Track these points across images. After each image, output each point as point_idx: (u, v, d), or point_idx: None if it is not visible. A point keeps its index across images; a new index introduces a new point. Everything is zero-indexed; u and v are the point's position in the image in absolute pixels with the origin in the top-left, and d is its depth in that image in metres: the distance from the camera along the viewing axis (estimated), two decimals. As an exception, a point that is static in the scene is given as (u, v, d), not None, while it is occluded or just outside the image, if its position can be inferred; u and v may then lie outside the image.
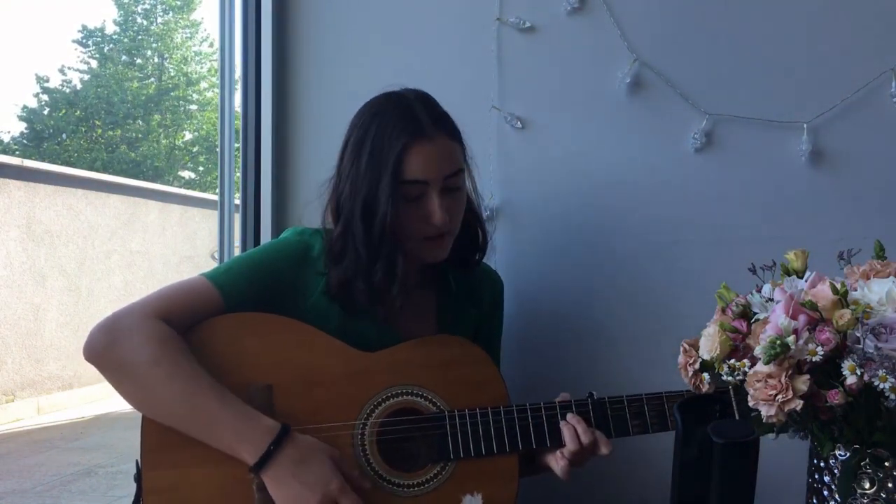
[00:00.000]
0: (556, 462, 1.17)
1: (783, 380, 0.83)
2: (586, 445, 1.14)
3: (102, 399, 7.87)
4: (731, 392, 0.99)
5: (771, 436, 0.92)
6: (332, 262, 1.19)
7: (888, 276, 0.88)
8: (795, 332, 0.84)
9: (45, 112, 17.82)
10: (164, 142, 18.26)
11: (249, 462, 1.05)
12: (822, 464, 0.89)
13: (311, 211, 1.30)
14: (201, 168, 18.95)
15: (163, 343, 1.08)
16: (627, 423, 1.18)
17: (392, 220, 1.14)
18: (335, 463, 1.07)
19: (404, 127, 1.15)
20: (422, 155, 1.15)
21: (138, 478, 1.08)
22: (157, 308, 1.11)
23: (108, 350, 1.08)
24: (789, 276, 0.95)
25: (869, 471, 0.86)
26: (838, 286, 0.86)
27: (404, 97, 1.21)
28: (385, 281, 1.16)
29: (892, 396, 0.80)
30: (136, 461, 1.09)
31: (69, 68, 20.71)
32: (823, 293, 0.87)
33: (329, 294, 1.19)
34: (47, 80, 18.04)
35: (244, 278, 1.17)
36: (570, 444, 1.15)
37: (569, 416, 1.17)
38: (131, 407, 1.11)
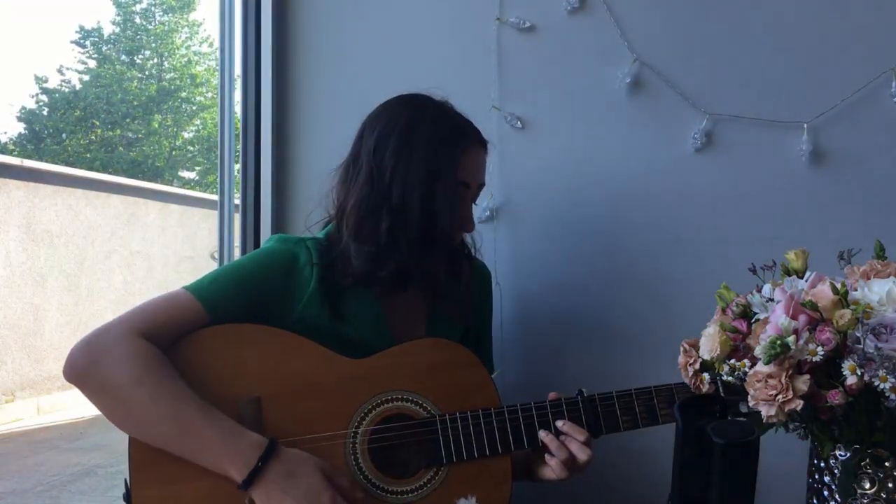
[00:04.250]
0: (552, 472, 1.16)
1: (783, 380, 0.83)
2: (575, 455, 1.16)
3: (102, 399, 7.83)
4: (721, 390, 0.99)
5: (771, 434, 0.92)
6: (373, 256, 1.18)
7: (888, 276, 0.88)
8: (795, 332, 0.84)
9: (45, 112, 17.82)
10: (163, 142, 18.25)
11: (238, 480, 1.03)
12: (822, 464, 0.89)
13: (323, 209, 1.29)
14: (198, 168, 18.95)
15: (145, 362, 1.05)
16: (618, 418, 1.17)
17: (457, 215, 1.20)
18: (325, 474, 1.06)
19: (460, 131, 1.23)
20: (474, 159, 1.24)
21: (128, 496, 1.07)
22: (139, 324, 1.08)
23: (88, 370, 1.05)
24: (789, 276, 0.95)
25: (869, 471, 0.86)
26: (838, 286, 0.86)
27: (435, 101, 1.25)
28: (452, 270, 1.23)
29: (893, 396, 0.80)
30: (125, 480, 1.07)
31: (67, 68, 20.72)
32: (823, 293, 0.87)
33: (365, 279, 1.19)
34: (46, 81, 18.05)
35: (229, 290, 1.14)
36: (558, 455, 1.15)
37: (561, 437, 1.17)
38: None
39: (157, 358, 1.06)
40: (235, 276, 1.17)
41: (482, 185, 1.27)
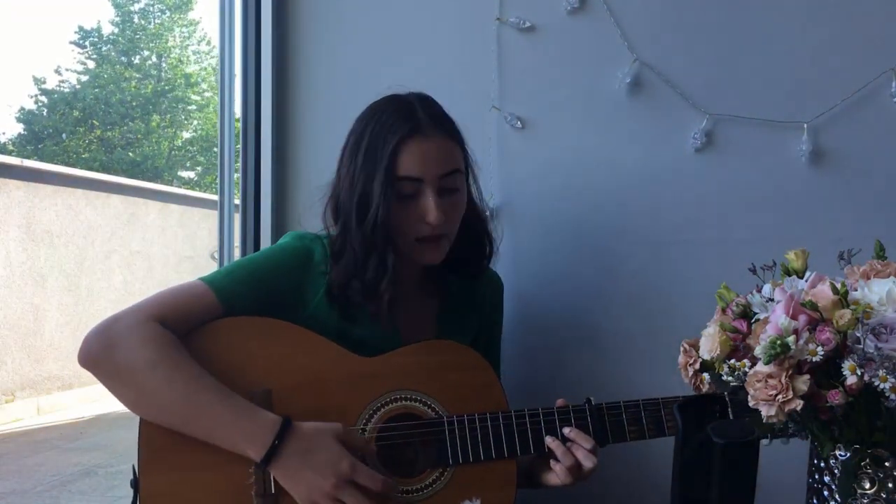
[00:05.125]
0: (556, 478, 1.17)
1: (783, 380, 0.83)
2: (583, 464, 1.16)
3: (102, 399, 7.86)
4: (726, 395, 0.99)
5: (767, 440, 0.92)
6: (333, 262, 1.19)
7: (888, 276, 0.88)
8: (795, 332, 0.84)
9: (44, 113, 17.81)
10: (163, 142, 18.24)
11: (255, 459, 1.04)
12: (822, 464, 0.90)
13: (313, 214, 1.30)
14: (199, 168, 18.95)
15: (160, 345, 1.07)
16: (625, 428, 1.18)
17: (384, 216, 1.14)
18: (342, 442, 1.07)
19: (400, 124, 1.16)
20: (416, 151, 1.15)
21: (135, 483, 1.07)
22: (154, 312, 1.10)
23: (104, 355, 1.07)
24: (789, 276, 0.95)
25: (869, 471, 0.86)
26: (838, 286, 0.86)
27: (404, 98, 1.22)
28: (376, 277, 1.16)
29: (893, 396, 0.80)
30: (133, 466, 1.08)
31: (66, 69, 20.65)
32: (823, 293, 0.87)
33: (330, 295, 1.19)
34: (44, 82, 18.05)
35: (244, 283, 1.16)
36: (563, 461, 1.15)
37: (571, 447, 1.17)
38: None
39: (171, 342, 1.08)
40: (250, 270, 1.18)
41: (452, 172, 1.18)
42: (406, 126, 1.16)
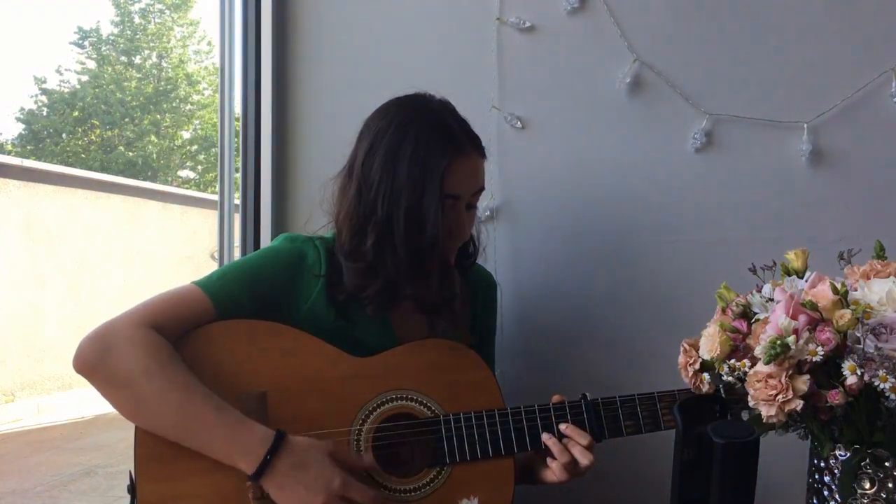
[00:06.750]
0: (553, 474, 1.17)
1: (783, 380, 0.83)
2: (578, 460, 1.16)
3: (102, 399, 7.85)
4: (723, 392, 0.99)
5: (771, 433, 0.92)
6: (363, 272, 1.18)
7: (888, 276, 0.88)
8: (795, 332, 0.85)
9: (44, 113, 17.81)
10: (162, 142, 18.24)
11: (248, 472, 1.04)
12: (822, 464, 0.90)
13: (322, 213, 1.29)
14: (200, 167, 18.95)
15: (155, 353, 1.06)
16: (621, 423, 1.18)
17: (443, 236, 1.16)
18: (334, 459, 1.07)
19: (447, 141, 1.17)
20: (460, 171, 1.18)
21: (132, 489, 1.07)
22: (148, 317, 1.09)
23: (99, 361, 1.07)
24: (789, 276, 0.96)
25: (869, 471, 0.86)
26: (838, 286, 0.86)
27: (432, 106, 1.22)
28: (441, 290, 1.20)
29: (893, 396, 0.80)
30: (130, 472, 1.08)
31: (66, 69, 20.65)
32: (823, 293, 0.87)
33: (330, 296, 1.18)
34: (45, 82, 18.04)
35: (237, 286, 1.15)
36: (560, 458, 1.15)
37: (565, 440, 1.17)
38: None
39: (166, 349, 1.08)
40: (243, 273, 1.18)
41: (480, 190, 1.23)
42: (453, 144, 1.18)
